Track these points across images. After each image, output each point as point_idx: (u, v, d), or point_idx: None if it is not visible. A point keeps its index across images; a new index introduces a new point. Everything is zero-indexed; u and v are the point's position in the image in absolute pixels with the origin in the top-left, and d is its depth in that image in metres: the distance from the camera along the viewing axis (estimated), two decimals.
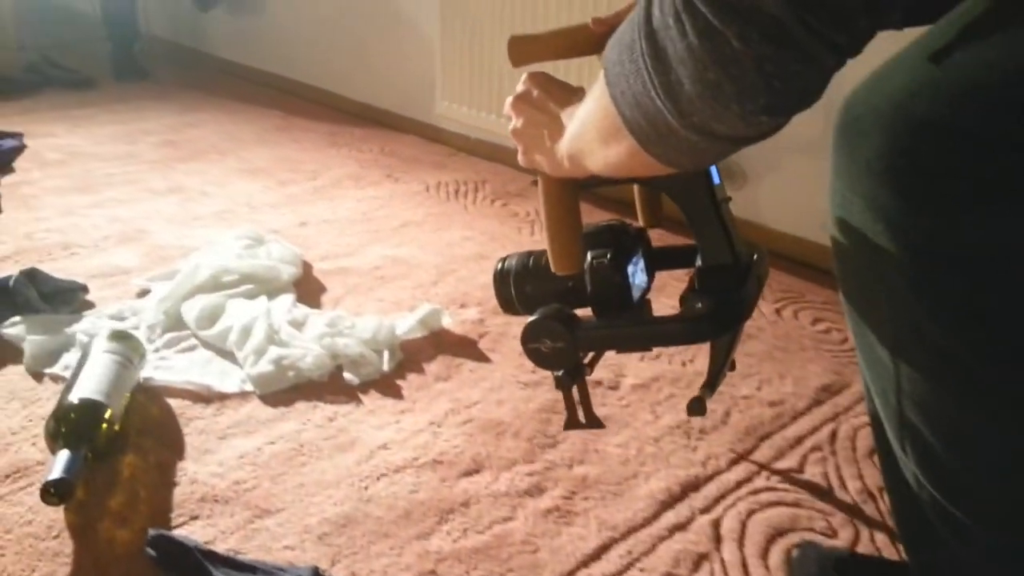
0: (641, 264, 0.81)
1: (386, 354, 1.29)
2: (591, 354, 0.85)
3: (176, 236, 1.73)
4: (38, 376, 1.20)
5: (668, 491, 1.01)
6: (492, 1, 2.13)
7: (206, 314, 1.35)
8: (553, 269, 0.76)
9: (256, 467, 1.03)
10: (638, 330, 0.77)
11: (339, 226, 1.85)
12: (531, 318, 0.76)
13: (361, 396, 1.20)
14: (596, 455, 1.07)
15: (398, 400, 1.20)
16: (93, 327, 1.31)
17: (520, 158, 0.72)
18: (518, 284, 0.82)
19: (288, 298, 1.43)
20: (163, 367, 1.23)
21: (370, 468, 1.04)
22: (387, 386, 1.23)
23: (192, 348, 1.30)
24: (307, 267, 1.61)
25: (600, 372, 1.26)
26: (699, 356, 1.33)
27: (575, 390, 0.81)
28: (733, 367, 0.79)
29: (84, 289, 1.43)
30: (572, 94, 0.67)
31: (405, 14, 2.53)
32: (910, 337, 0.52)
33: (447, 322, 1.40)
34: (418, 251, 1.72)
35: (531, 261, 0.83)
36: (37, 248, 1.63)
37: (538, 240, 1.85)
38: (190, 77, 3.23)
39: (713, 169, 0.72)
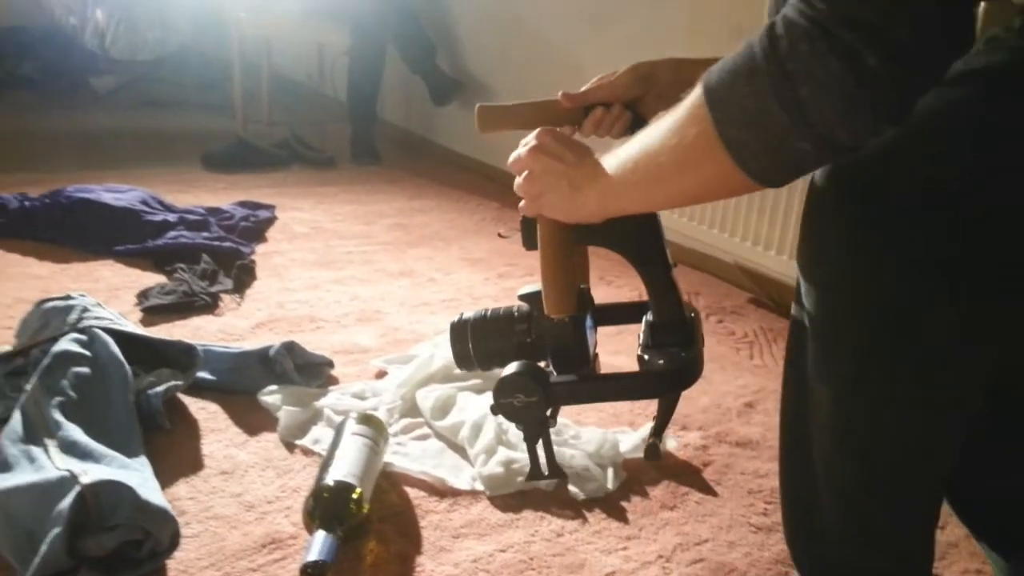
0: (590, 321, 0.83)
1: (610, 471, 1.28)
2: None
3: (408, 319, 1.82)
4: (290, 446, 1.29)
5: None
6: None
7: (439, 404, 1.40)
8: (549, 312, 0.77)
9: (489, 575, 1.04)
10: (604, 385, 0.84)
11: None
12: (505, 373, 0.77)
13: (586, 513, 1.19)
14: None
15: (623, 524, 1.18)
16: (337, 403, 1.40)
17: (527, 206, 0.75)
18: (477, 338, 0.84)
19: None
20: (400, 453, 1.29)
21: None
22: (611, 506, 1.22)
23: (426, 437, 1.35)
24: None
25: None
26: (949, 521, 1.22)
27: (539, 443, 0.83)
28: None
29: (330, 364, 1.54)
30: (583, 147, 0.73)
31: None
32: None
33: (672, 445, 1.38)
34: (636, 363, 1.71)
35: (488, 314, 0.85)
36: (288, 318, 1.78)
37: (757, 363, 1.80)
38: (418, 164, 3.46)
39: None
